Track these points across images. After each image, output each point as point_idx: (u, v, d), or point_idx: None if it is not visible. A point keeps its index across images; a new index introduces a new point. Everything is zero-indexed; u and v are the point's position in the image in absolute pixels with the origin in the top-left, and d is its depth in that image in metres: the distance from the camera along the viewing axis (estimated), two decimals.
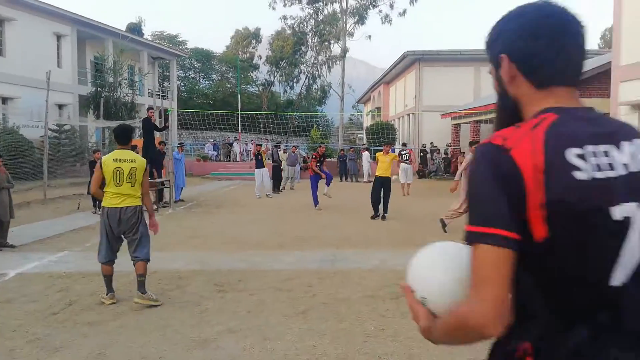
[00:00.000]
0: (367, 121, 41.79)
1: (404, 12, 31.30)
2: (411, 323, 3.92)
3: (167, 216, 10.64)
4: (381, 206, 10.49)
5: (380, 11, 31.43)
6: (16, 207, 11.57)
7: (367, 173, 21.37)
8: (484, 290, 0.90)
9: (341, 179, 22.42)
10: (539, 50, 1.02)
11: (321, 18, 35.53)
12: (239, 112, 28.33)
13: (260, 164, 14.58)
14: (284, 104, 51.33)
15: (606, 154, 0.96)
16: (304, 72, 49.12)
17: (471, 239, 0.94)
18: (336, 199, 13.85)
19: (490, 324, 0.89)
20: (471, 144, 8.66)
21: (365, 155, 22.48)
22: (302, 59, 47.84)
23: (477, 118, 20.60)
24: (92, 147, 23.15)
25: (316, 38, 39.00)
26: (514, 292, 0.94)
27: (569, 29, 1.03)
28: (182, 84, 47.82)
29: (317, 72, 46.61)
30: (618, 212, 0.93)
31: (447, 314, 0.99)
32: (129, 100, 24.41)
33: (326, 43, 38.73)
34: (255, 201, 13.82)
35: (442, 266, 1.08)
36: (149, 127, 11.60)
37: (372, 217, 10.36)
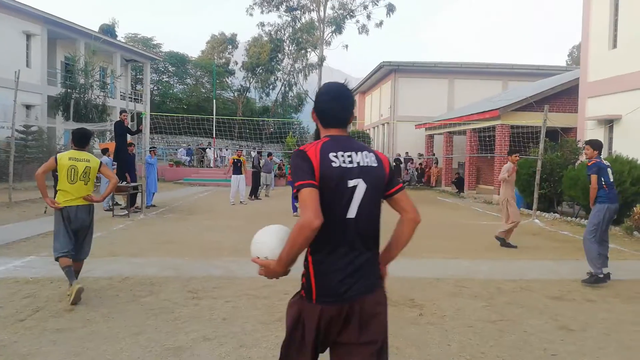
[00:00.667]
0: None
1: (381, 23, 31.82)
2: (390, 328, 3.94)
3: (138, 222, 10.43)
4: None
5: (357, 21, 31.87)
6: None
7: None
8: (308, 207, 1.82)
9: None
10: (325, 109, 2.08)
11: (298, 26, 35.71)
12: (214, 117, 28.08)
13: (238, 171, 14.47)
14: (260, 111, 51.09)
15: (350, 156, 1.99)
16: (280, 79, 49.13)
17: (299, 187, 1.87)
18: None
19: (315, 219, 1.79)
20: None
21: None
22: (278, 66, 47.84)
23: (450, 129, 21.00)
24: (61, 149, 22.59)
25: (293, 45, 39.13)
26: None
27: (341, 97, 2.09)
28: (155, 88, 47.06)
29: (293, 80, 46.73)
30: (351, 182, 1.95)
31: (291, 231, 1.87)
32: (101, 103, 23.89)
33: (303, 51, 38.92)
34: (230, 207, 13.69)
35: (271, 236, 2.00)
36: (121, 130, 11.38)
37: None
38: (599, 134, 13.48)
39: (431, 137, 24.43)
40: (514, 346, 3.93)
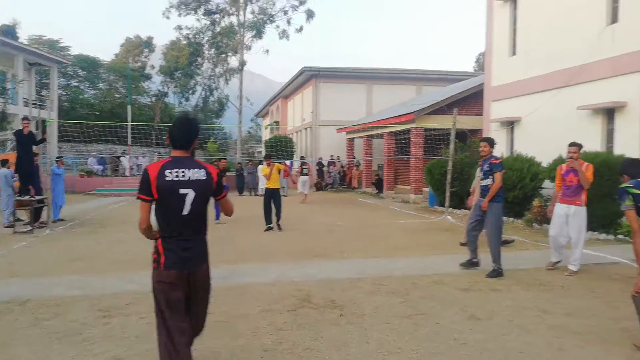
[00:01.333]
0: (266, 135, 41.87)
1: (301, 28, 32.08)
2: (307, 334, 3.97)
3: (44, 238, 9.65)
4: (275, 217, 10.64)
5: (277, 26, 31.89)
6: None
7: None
8: (140, 215, 2.88)
9: (240, 193, 22.12)
10: (172, 136, 2.95)
11: (218, 30, 35.07)
12: (129, 123, 26.75)
13: None
14: (179, 116, 49.46)
15: (183, 172, 2.86)
16: (200, 84, 47.94)
17: (139, 198, 2.83)
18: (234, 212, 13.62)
19: (142, 224, 2.90)
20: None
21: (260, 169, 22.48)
22: (198, 70, 46.65)
23: (369, 133, 21.66)
24: None
25: (213, 50, 38.35)
26: (162, 215, 2.89)
27: (183, 126, 2.97)
28: (64, 93, 43.89)
29: (214, 84, 45.79)
30: (182, 190, 2.83)
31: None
32: (0, 110, 21.88)
33: (223, 55, 38.26)
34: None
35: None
36: (22, 139, 10.48)
37: (266, 230, 10.40)
38: (502, 135, 14.57)
39: (352, 140, 25.04)
40: (427, 338, 4.12)
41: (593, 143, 10.83)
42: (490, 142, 6.72)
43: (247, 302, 5.19)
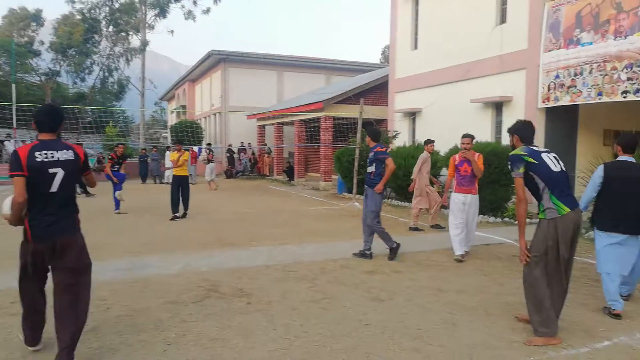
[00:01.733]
0: (172, 119, 40.07)
1: (208, 10, 31.00)
2: (213, 325, 3.89)
3: None
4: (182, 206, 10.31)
5: (183, 6, 30.50)
6: None
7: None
8: (16, 190, 3.14)
9: (143, 181, 21.02)
10: (39, 121, 3.35)
11: (117, 6, 32.68)
12: (14, 104, 24.15)
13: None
14: (74, 97, 45.50)
15: (52, 154, 3.24)
16: (98, 64, 44.43)
17: (13, 176, 3.16)
18: (136, 201, 12.92)
19: (19, 198, 3.12)
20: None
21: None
22: (95, 49, 43.17)
23: (280, 120, 21.64)
24: None
25: (111, 27, 35.70)
26: (30, 194, 3.19)
27: (50, 113, 3.39)
28: None
29: (113, 65, 42.71)
30: (51, 170, 3.20)
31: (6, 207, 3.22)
32: None
33: (123, 34, 35.81)
34: None
35: (6, 203, 3.22)
36: None
37: (172, 219, 10.03)
38: (405, 125, 15.34)
39: (262, 127, 24.86)
40: (334, 321, 4.24)
41: (484, 134, 11.81)
42: (473, 138, 6.90)
43: (150, 294, 4.97)
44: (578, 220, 3.86)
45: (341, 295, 4.98)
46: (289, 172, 21.35)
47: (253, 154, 25.34)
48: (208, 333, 3.92)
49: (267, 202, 13.80)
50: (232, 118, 26.66)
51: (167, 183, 17.72)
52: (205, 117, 31.41)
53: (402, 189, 12.31)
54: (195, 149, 21.69)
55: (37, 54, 45.73)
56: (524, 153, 3.89)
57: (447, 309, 4.59)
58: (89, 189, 12.33)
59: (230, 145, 25.49)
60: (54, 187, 3.23)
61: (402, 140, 14.79)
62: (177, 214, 10.18)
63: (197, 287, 5.24)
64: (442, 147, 11.84)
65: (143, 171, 21.26)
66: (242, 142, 25.73)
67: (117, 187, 11.06)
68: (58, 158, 3.26)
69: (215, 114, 28.89)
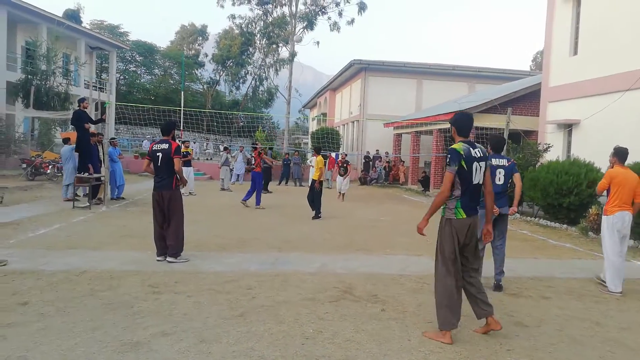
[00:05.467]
0: (313, 126, 42.05)
1: (352, 21, 31.86)
2: (348, 326, 3.98)
3: (100, 214, 10.15)
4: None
5: (329, 18, 31.83)
6: None
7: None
8: (145, 163, 6.67)
9: (286, 182, 22.38)
10: (162, 129, 6.68)
11: (270, 20, 35.41)
12: (182, 109, 27.56)
13: (188, 163, 14.44)
14: (229, 104, 50.52)
15: (159, 145, 6.41)
16: (251, 73, 48.66)
17: (147, 159, 6.60)
18: (279, 201, 13.81)
19: (146, 168, 6.57)
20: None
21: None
22: (249, 60, 47.38)
23: (417, 129, 21.31)
24: (20, 137, 21.66)
25: (264, 40, 38.79)
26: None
27: (169, 125, 6.70)
28: (122, 77, 45.78)
29: (264, 74, 46.35)
30: (157, 154, 6.35)
31: None
32: (63, 91, 23.05)
33: (274, 45, 38.63)
34: (193, 200, 13.46)
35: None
36: (80, 119, 10.95)
37: (313, 218, 10.92)
38: (559, 138, 13.96)
39: (399, 135, 24.73)
40: (471, 341, 4.03)
41: None
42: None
43: (289, 289, 5.26)
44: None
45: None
46: (425, 182, 20.89)
47: (388, 162, 25.35)
48: (343, 333, 4.02)
49: (400, 210, 13.67)
50: (369, 126, 27.03)
51: (309, 186, 18.74)
52: (343, 125, 32.33)
53: (552, 208, 11.24)
54: (333, 155, 22.45)
55: (201, 65, 51.72)
56: (461, 149, 3.95)
57: (607, 347, 4.05)
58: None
59: (367, 152, 25.86)
60: (159, 163, 6.25)
61: (554, 154, 13.48)
62: (318, 214, 11.05)
63: (332, 287, 5.40)
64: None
65: (285, 174, 22.64)
66: (377, 150, 25.92)
67: (259, 185, 12.23)
68: (160, 147, 6.25)
69: (353, 122, 29.56)
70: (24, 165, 16.52)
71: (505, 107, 13.95)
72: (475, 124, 17.01)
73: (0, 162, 19.44)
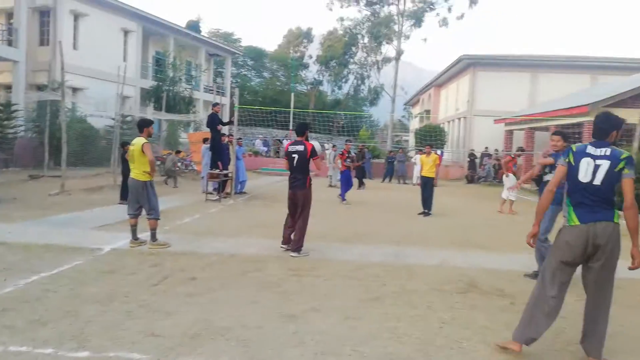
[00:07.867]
0: (415, 123, 41.59)
1: (462, 15, 31.04)
2: (481, 316, 4.20)
3: (229, 207, 11.25)
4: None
5: (437, 14, 31.32)
6: (91, 191, 12.54)
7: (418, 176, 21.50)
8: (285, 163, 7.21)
9: (390, 180, 22.59)
10: (295, 130, 8.83)
11: (377, 20, 35.73)
12: (292, 109, 28.97)
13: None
14: (331, 103, 51.76)
15: (294, 147, 6.81)
16: (353, 73, 49.39)
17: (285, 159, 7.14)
18: (386, 198, 14.10)
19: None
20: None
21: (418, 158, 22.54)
22: (351, 60, 48.12)
23: (532, 125, 20.27)
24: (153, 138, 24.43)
25: (370, 39, 39.22)
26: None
27: (301, 127, 7.23)
28: (234, 81, 49.14)
29: (365, 73, 46.80)
30: (293, 155, 6.74)
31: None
32: (188, 95, 25.51)
33: (377, 44, 38.90)
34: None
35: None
36: (215, 121, 12.22)
37: (420, 214, 11.17)
38: None
39: (510, 132, 23.68)
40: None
41: None
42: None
43: (416, 279, 5.57)
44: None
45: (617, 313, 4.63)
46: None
47: (497, 159, 24.37)
48: (477, 321, 4.24)
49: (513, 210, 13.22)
50: (476, 122, 26.21)
51: (415, 184, 18.84)
52: (448, 122, 31.65)
53: None
54: (438, 152, 22.18)
55: (306, 66, 53.55)
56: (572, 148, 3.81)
57: None
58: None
59: (472, 150, 25.13)
60: (295, 162, 6.61)
61: None
62: (425, 211, 11.16)
63: (457, 280, 5.61)
64: None
65: (389, 171, 22.85)
66: (486, 147, 25.03)
67: (349, 182, 13.45)
68: (296, 149, 6.62)
69: (459, 118, 28.84)
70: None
71: (636, 101, 12.86)
72: None
73: None
